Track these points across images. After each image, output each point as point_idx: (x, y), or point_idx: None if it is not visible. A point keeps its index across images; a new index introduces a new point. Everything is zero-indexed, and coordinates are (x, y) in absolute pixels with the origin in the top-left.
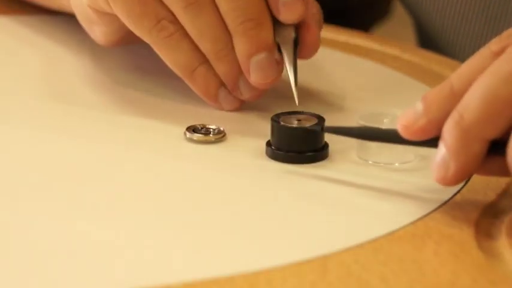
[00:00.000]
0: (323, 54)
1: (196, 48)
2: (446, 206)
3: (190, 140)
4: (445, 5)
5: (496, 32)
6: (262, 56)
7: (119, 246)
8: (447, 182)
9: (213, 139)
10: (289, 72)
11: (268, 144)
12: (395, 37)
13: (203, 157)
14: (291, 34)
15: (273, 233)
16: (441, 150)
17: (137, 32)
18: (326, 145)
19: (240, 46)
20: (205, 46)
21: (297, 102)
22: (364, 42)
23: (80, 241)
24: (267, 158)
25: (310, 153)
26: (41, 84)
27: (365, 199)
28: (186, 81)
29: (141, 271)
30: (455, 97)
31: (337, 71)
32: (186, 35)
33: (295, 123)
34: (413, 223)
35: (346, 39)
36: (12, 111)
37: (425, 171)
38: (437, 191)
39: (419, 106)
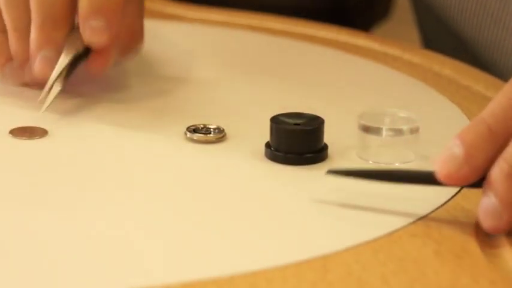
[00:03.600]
0: (323, 54)
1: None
2: (447, 206)
3: (191, 139)
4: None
5: (497, 26)
6: (49, 52)
7: (119, 246)
8: (499, 231)
9: (213, 139)
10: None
11: (268, 145)
12: (396, 37)
13: (202, 158)
14: (79, 45)
15: (273, 233)
16: (491, 199)
17: None
18: (325, 146)
19: (33, 36)
20: (6, 18)
21: (43, 109)
22: (365, 42)
23: (80, 241)
24: (266, 159)
25: (309, 155)
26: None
27: (365, 199)
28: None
29: (141, 271)
30: (495, 139)
31: (337, 71)
32: None
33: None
34: (413, 223)
35: (346, 39)
36: (8, 109)
37: None
38: (438, 191)
39: (457, 150)
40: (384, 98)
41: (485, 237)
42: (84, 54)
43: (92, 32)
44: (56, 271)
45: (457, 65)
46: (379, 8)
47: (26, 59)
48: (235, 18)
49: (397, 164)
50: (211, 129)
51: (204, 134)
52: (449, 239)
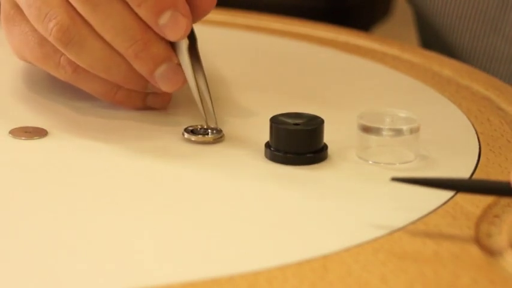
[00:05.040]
0: (323, 54)
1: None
2: (447, 206)
3: (189, 140)
4: (445, 3)
5: (496, 31)
6: (162, 68)
7: (119, 246)
8: None
9: (211, 139)
10: (189, 80)
11: (267, 145)
12: (395, 37)
13: (202, 158)
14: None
15: (273, 233)
16: None
17: (50, 72)
18: (325, 146)
19: (139, 68)
20: (102, 75)
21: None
22: (364, 42)
23: (79, 241)
24: (265, 159)
25: (309, 155)
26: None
27: (365, 199)
28: (114, 104)
29: (142, 271)
30: None
31: (337, 71)
32: None
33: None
34: (413, 223)
35: (346, 39)
36: (8, 109)
37: (425, 171)
38: (438, 191)
39: None
40: (384, 98)
41: (485, 237)
42: (191, 39)
43: (169, 30)
44: (56, 271)
45: (457, 65)
46: (379, 8)
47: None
48: (234, 18)
49: (396, 164)
50: (209, 131)
51: (202, 135)
52: (449, 239)
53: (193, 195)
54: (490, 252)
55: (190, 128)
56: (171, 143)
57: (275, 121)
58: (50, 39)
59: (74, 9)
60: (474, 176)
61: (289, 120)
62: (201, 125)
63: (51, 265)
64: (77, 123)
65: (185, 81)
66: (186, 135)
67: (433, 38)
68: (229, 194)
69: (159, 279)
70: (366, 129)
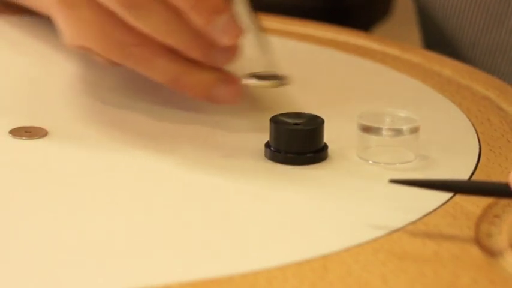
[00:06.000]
0: (323, 54)
1: (173, 58)
2: (447, 206)
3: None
4: (448, 1)
5: (500, 25)
6: (220, 19)
7: (119, 246)
8: None
9: (276, 84)
10: (248, 28)
11: (267, 145)
12: (395, 37)
13: (202, 157)
14: None
15: (273, 233)
16: None
17: (115, 60)
18: (325, 146)
19: (196, 19)
20: (171, 43)
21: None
22: (364, 42)
23: (79, 241)
24: (265, 159)
25: (309, 155)
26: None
27: (365, 199)
28: (178, 91)
29: (141, 271)
30: None
31: (337, 71)
32: (156, 49)
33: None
34: (413, 223)
35: (346, 39)
36: (8, 109)
37: (425, 171)
38: (438, 191)
39: None
40: (384, 98)
41: (485, 237)
42: None
43: (218, 33)
44: (56, 271)
45: (457, 65)
46: (379, 8)
47: (210, 51)
48: None
49: (396, 164)
50: (269, 76)
51: (268, 79)
52: (449, 239)
53: (193, 195)
54: (490, 252)
55: (253, 73)
56: (171, 142)
57: (275, 121)
58: (117, 7)
59: None
60: (474, 176)
61: (289, 120)
62: (263, 72)
63: (51, 265)
64: (77, 123)
65: (243, 31)
66: (251, 80)
67: (435, 33)
68: (229, 194)
69: (158, 279)
70: (366, 129)
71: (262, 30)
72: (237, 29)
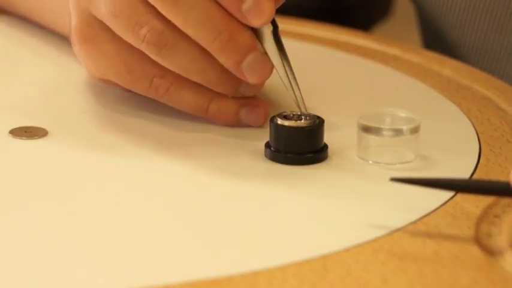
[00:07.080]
0: (323, 54)
1: (198, 88)
2: (447, 206)
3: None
4: (450, 2)
5: (503, 33)
6: (249, 58)
7: (119, 246)
8: None
9: (305, 125)
10: (277, 67)
11: (267, 145)
12: (396, 37)
13: (201, 158)
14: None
15: (273, 233)
16: None
17: (139, 93)
18: (325, 146)
19: (225, 61)
20: (197, 78)
21: (294, 95)
22: (365, 42)
23: (79, 241)
24: (265, 159)
25: (309, 155)
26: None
27: (365, 199)
28: (207, 118)
29: (141, 271)
30: None
31: (337, 71)
32: (181, 80)
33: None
34: (413, 223)
35: (346, 39)
36: (8, 109)
37: (425, 171)
38: (438, 191)
39: None
40: (384, 98)
41: (485, 237)
42: (274, 25)
43: (252, 14)
44: (56, 271)
45: (457, 65)
46: (379, 8)
47: (236, 88)
48: None
49: (396, 164)
50: (302, 116)
51: (295, 120)
52: (449, 239)
53: (193, 196)
54: (490, 252)
55: (284, 114)
56: (170, 142)
57: (275, 121)
58: (143, 46)
59: (161, 14)
60: (474, 176)
61: (289, 120)
62: (292, 111)
63: (51, 265)
64: (77, 122)
65: (272, 69)
66: (279, 121)
67: (435, 36)
68: (229, 194)
69: (158, 279)
70: (366, 129)
71: (290, 67)
72: (266, 67)
